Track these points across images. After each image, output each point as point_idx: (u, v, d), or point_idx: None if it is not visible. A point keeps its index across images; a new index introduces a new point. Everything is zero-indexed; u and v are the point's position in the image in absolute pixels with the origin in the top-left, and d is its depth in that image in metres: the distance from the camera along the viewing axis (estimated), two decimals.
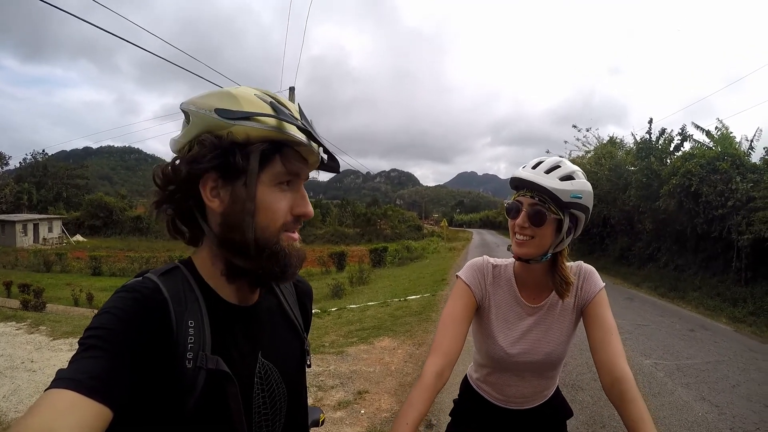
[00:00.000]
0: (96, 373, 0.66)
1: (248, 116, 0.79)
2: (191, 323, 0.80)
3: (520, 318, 1.51)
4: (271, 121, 0.81)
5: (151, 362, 0.73)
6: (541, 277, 1.48)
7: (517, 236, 1.40)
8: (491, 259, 1.57)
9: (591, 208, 1.40)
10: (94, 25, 6.63)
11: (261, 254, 0.83)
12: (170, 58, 8.92)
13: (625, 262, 17.96)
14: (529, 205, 1.37)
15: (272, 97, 0.85)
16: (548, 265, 1.45)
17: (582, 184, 1.36)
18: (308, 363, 1.05)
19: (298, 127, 0.83)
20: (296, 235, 0.88)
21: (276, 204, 0.84)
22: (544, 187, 1.33)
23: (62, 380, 0.64)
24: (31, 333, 7.53)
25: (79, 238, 49.96)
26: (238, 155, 0.80)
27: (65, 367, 0.68)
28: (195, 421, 0.77)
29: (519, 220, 1.38)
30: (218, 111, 0.79)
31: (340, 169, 0.95)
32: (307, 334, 1.08)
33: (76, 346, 0.71)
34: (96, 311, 0.77)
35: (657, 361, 6.09)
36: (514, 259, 1.51)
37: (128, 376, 0.69)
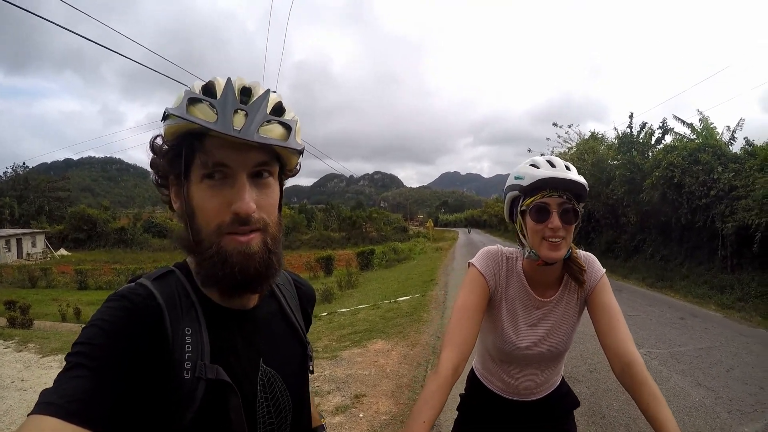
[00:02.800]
0: (78, 395, 0.62)
1: (168, 114, 0.76)
2: (188, 330, 0.75)
3: (530, 312, 1.50)
4: (182, 112, 0.74)
5: (144, 375, 0.69)
6: (555, 273, 1.46)
7: (552, 240, 1.32)
8: (505, 250, 1.53)
9: None
10: (80, 35, 6.58)
11: (203, 257, 0.77)
12: (155, 66, 8.83)
13: (612, 255, 18.10)
14: (558, 204, 1.32)
15: (203, 86, 0.79)
16: (561, 260, 1.42)
17: None
18: (311, 369, 1.01)
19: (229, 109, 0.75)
20: (245, 237, 0.77)
21: (204, 202, 0.76)
22: (580, 183, 1.31)
23: (43, 405, 0.61)
24: (20, 351, 7.38)
25: (63, 252, 49.24)
26: (165, 156, 0.79)
27: (50, 386, 0.65)
28: None
29: (552, 223, 1.31)
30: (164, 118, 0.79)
31: (291, 146, 0.79)
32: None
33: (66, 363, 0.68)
34: (84, 326, 0.74)
35: (650, 350, 6.15)
36: (520, 252, 1.49)
37: (116, 395, 0.65)
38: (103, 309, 0.72)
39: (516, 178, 1.40)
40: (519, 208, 1.40)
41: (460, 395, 1.77)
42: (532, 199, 1.35)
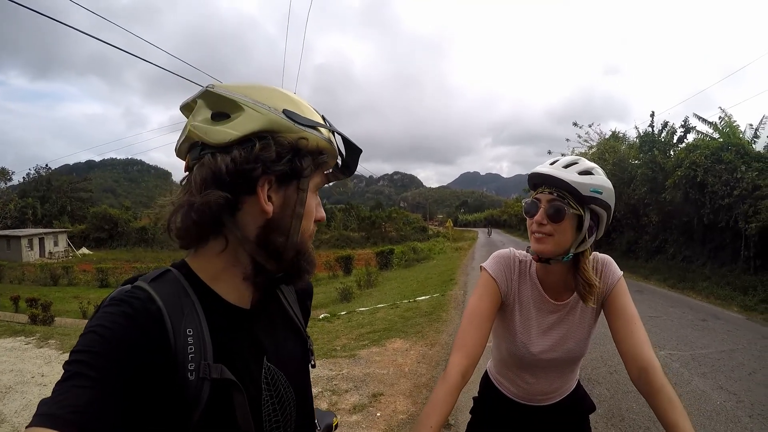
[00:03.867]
0: (79, 406, 0.61)
1: (315, 125, 0.81)
2: (189, 331, 0.74)
3: (544, 316, 1.46)
4: (326, 132, 0.84)
5: (147, 381, 0.68)
6: (563, 277, 1.43)
7: (535, 234, 1.34)
8: (518, 253, 1.51)
9: (613, 206, 1.36)
10: (104, 42, 6.70)
11: (298, 257, 0.84)
12: (177, 70, 8.82)
13: (633, 256, 17.87)
14: (547, 201, 1.32)
15: (307, 105, 0.87)
16: (569, 265, 1.39)
17: (602, 180, 1.32)
18: (312, 363, 1.00)
19: (343, 140, 0.88)
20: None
21: (313, 209, 0.86)
22: (564, 181, 1.28)
23: (42, 416, 0.59)
24: (41, 347, 7.50)
25: (85, 250, 50.15)
26: (304, 161, 0.80)
27: (49, 395, 0.63)
28: None
29: (537, 217, 1.33)
30: (287, 113, 0.78)
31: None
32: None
33: None
34: (82, 332, 0.71)
35: (671, 351, 6.03)
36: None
37: (118, 404, 0.64)
38: (101, 315, 0.70)
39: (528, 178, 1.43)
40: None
41: (474, 398, 1.74)
42: (532, 195, 1.40)
